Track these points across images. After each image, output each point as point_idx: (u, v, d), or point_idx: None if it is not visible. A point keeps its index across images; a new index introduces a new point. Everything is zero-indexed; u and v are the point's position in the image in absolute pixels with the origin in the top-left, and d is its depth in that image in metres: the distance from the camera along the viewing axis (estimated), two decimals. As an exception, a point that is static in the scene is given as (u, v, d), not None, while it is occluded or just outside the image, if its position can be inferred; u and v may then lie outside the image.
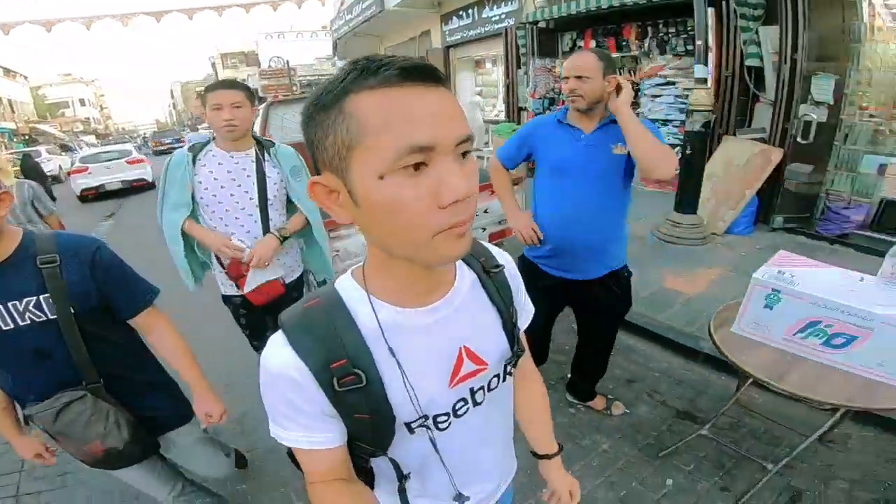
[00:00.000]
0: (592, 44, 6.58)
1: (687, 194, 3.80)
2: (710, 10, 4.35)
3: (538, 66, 6.61)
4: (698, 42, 3.58)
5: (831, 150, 4.04)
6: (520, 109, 7.45)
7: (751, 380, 1.51)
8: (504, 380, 0.71)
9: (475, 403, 0.67)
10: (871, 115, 4.29)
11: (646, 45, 5.70)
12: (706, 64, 3.64)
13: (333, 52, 14.79)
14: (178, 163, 1.76)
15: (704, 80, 3.64)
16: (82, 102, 44.92)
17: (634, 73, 6.70)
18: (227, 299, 1.97)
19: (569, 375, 2.40)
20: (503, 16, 7.69)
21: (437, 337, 0.61)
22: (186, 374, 1.32)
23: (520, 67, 7.17)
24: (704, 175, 4.37)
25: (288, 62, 15.19)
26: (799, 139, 3.83)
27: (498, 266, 0.71)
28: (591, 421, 2.26)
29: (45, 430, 1.12)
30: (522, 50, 7.06)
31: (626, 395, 2.43)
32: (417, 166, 0.45)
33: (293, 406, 0.58)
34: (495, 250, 0.74)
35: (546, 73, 6.59)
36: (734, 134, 4.33)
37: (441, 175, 0.45)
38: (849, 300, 1.32)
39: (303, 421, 0.59)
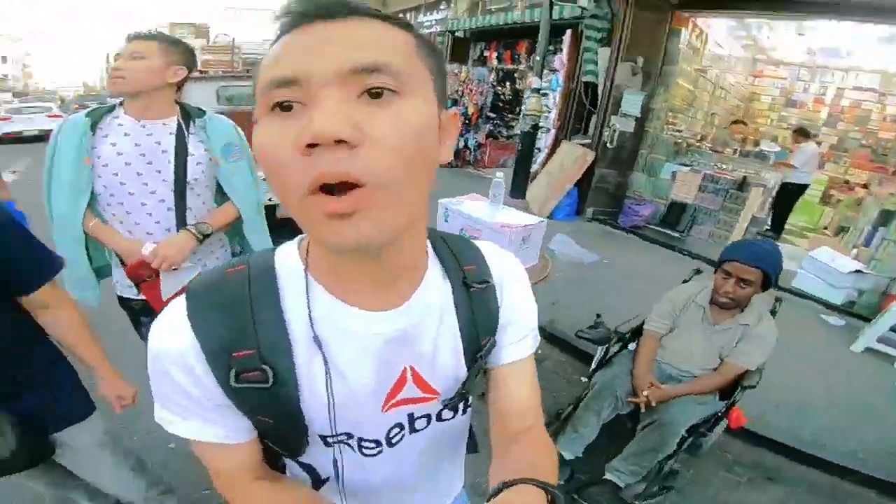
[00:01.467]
0: (495, 55, 7.66)
1: (518, 181, 4.75)
2: (569, 31, 5.38)
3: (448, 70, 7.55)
4: (536, 58, 4.54)
5: (636, 156, 5.16)
6: (436, 106, 8.42)
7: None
8: (464, 412, 0.61)
9: (413, 430, 0.57)
10: (678, 131, 5.49)
11: (532, 60, 6.73)
12: (541, 77, 4.61)
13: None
14: (73, 129, 1.33)
15: (538, 90, 4.60)
16: (3, 59, 41.63)
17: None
18: (124, 301, 1.57)
19: None
20: (433, 22, 8.69)
21: (381, 349, 0.50)
22: (89, 356, 1.13)
23: (437, 69, 8.12)
24: (545, 171, 5.40)
25: (234, 39, 15.18)
26: (608, 145, 4.90)
27: (485, 281, 0.57)
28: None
29: None
30: (440, 54, 8.04)
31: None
32: (290, 107, 0.37)
33: (182, 391, 0.46)
34: (498, 255, 0.61)
35: (453, 76, 7.53)
36: (569, 139, 5.38)
37: (312, 113, 0.35)
38: (474, 214, 2.20)
39: (195, 409, 0.47)
